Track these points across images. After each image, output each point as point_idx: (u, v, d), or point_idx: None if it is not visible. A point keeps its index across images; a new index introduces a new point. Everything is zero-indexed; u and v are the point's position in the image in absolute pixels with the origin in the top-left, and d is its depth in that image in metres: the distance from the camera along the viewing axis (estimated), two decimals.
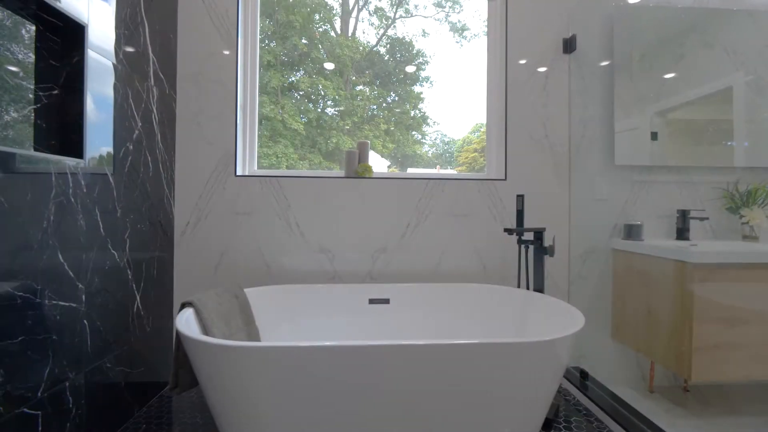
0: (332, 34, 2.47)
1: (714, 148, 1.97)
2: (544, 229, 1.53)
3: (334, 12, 2.50)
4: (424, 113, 2.43)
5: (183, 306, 1.26)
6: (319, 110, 2.34)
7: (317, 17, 2.46)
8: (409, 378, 1.00)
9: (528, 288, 1.60)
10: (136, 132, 1.50)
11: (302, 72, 2.31)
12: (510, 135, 1.92)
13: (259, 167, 2.00)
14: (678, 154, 1.96)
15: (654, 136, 2.00)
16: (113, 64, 1.37)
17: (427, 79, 2.34)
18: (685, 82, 1.94)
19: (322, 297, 1.64)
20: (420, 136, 2.40)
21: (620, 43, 1.90)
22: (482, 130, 2.28)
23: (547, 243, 1.56)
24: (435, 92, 2.33)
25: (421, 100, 2.40)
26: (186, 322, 1.10)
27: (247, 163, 1.93)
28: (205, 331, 1.24)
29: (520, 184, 1.91)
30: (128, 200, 1.46)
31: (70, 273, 1.16)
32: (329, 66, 2.42)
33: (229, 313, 1.37)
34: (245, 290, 1.53)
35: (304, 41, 2.36)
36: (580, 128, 1.93)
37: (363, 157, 1.93)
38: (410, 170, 2.47)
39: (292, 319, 1.59)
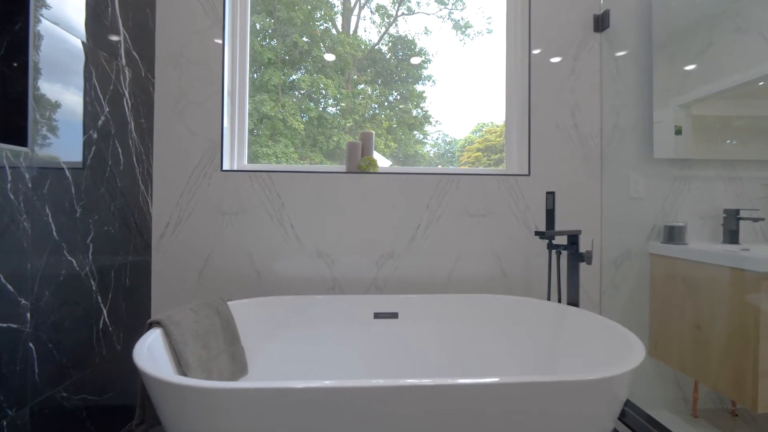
0: (333, 31, 2.41)
1: (753, 142, 1.73)
2: (579, 232, 1.31)
3: (336, 10, 2.44)
4: (426, 112, 2.42)
5: (150, 326, 1.04)
6: (320, 109, 2.29)
7: (318, 15, 2.40)
8: (427, 425, 0.77)
9: (560, 301, 1.38)
10: (102, 118, 1.29)
11: (303, 71, 2.26)
12: (534, 124, 1.69)
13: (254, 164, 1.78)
14: (703, 148, 1.73)
15: (678, 130, 1.77)
16: (70, 35, 1.15)
17: (429, 77, 2.30)
18: (714, 71, 1.70)
19: (320, 310, 1.42)
20: (422, 136, 2.39)
21: (660, 19, 1.67)
22: (485, 129, 2.21)
23: (583, 248, 1.34)
24: (437, 91, 2.29)
25: (423, 99, 2.38)
26: (148, 351, 0.88)
27: (235, 157, 1.71)
28: (177, 357, 1.02)
29: (546, 179, 1.68)
30: (92, 198, 1.24)
31: (8, 286, 0.94)
32: (329, 57, 2.35)
33: (208, 332, 1.15)
34: (229, 303, 1.31)
35: (305, 39, 2.30)
36: (613, 117, 1.70)
37: (367, 150, 1.71)
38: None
39: (285, 337, 1.37)
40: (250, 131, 2.00)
